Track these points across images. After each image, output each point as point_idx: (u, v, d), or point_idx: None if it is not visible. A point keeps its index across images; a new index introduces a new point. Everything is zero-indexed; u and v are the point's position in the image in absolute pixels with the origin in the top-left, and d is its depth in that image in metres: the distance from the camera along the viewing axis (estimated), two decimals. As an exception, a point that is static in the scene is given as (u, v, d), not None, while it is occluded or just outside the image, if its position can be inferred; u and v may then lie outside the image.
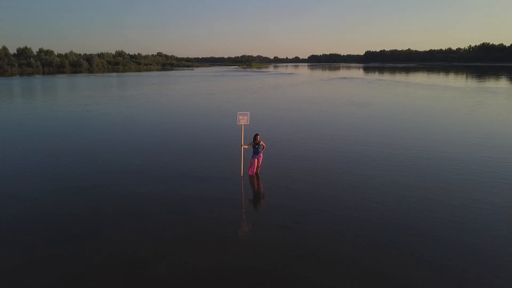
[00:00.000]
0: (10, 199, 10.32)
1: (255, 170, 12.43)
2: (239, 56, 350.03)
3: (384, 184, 11.54)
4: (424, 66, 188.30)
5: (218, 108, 30.14)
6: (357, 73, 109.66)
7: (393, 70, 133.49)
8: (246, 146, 12.29)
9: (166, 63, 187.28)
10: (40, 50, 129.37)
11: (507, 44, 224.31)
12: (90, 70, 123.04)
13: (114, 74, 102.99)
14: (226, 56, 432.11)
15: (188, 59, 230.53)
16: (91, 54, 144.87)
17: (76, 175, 12.41)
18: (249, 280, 6.65)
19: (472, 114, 26.37)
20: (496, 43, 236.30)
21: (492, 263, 7.27)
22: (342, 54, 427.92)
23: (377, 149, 15.92)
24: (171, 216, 9.28)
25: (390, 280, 6.68)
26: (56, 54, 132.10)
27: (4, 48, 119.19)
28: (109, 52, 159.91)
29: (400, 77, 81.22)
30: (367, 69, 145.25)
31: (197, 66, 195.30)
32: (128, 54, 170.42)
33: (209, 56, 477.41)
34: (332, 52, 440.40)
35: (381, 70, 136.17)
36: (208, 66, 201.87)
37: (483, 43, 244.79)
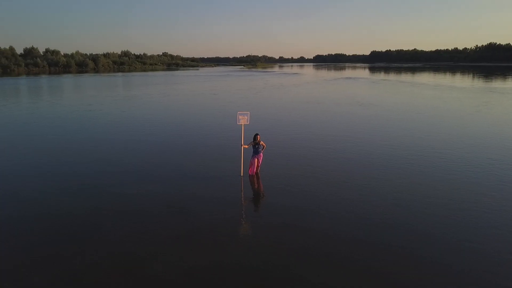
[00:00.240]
0: (10, 199, 10.37)
1: (255, 170, 12.42)
2: (244, 56, 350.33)
3: (384, 184, 11.49)
4: (430, 66, 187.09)
5: (220, 108, 30.17)
6: (362, 73, 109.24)
7: (398, 70, 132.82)
8: (246, 146, 12.29)
9: (172, 63, 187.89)
10: (47, 50, 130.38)
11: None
12: (96, 70, 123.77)
13: (120, 74, 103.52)
14: (231, 56, 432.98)
15: (193, 59, 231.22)
16: (97, 54, 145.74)
17: (76, 175, 12.47)
18: (248, 279, 6.66)
19: (477, 114, 26.14)
20: (503, 43, 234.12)
21: (493, 262, 7.23)
22: (347, 54, 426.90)
23: (378, 149, 15.85)
24: (170, 215, 9.31)
25: (390, 280, 6.67)
26: (62, 54, 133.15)
27: (11, 48, 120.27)
28: (115, 52, 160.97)
29: (405, 77, 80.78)
30: (372, 69, 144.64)
31: (202, 66, 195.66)
32: (134, 54, 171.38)
33: (214, 56, 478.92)
34: (338, 52, 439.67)
35: (386, 70, 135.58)
36: (213, 66, 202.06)
37: (490, 43, 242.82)
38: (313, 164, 13.68)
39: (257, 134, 12.13)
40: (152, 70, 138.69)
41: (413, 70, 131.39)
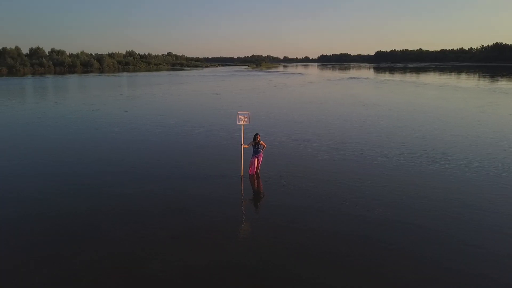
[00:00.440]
0: (10, 199, 10.39)
1: (255, 170, 12.42)
2: (249, 56, 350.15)
3: (385, 184, 11.44)
4: (435, 66, 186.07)
5: (222, 108, 30.18)
6: (367, 73, 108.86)
7: (403, 70, 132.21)
8: (246, 146, 12.30)
9: (176, 63, 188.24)
10: (52, 50, 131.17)
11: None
12: (101, 70, 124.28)
13: (124, 74, 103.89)
14: (236, 56, 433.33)
15: (198, 59, 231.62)
16: (102, 54, 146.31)
17: (77, 175, 12.50)
18: (248, 278, 6.67)
19: (481, 115, 25.94)
20: (510, 42, 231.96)
21: (493, 262, 7.21)
22: (352, 54, 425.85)
23: (379, 149, 15.79)
24: (170, 215, 9.32)
25: (390, 280, 6.66)
26: (67, 54, 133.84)
27: (17, 48, 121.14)
28: (120, 52, 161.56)
29: (410, 77, 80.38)
30: (377, 69, 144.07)
31: (207, 66, 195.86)
32: (138, 54, 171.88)
33: (219, 56, 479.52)
34: (342, 52, 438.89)
35: (391, 70, 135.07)
36: (217, 66, 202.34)
37: (496, 43, 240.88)
38: (313, 164, 13.65)
39: (257, 134, 12.13)
40: (156, 70, 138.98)
41: (418, 70, 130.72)
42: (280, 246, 7.81)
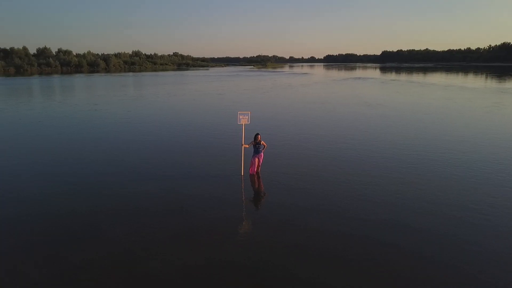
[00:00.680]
0: (10, 199, 10.39)
1: (255, 169, 12.43)
2: (255, 56, 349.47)
3: (385, 184, 11.39)
4: (442, 66, 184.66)
5: (225, 108, 30.20)
6: (373, 73, 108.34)
7: (409, 70, 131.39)
8: (247, 146, 12.31)
9: (182, 63, 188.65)
10: (59, 50, 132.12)
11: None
12: (107, 70, 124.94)
13: (130, 74, 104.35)
14: (241, 56, 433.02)
15: (203, 59, 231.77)
16: (108, 54, 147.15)
17: (77, 174, 12.53)
18: (248, 278, 6.69)
19: (487, 116, 25.71)
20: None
21: (493, 262, 7.18)
22: (358, 54, 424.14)
23: (381, 149, 15.72)
24: (170, 215, 9.33)
25: (390, 279, 6.66)
26: (74, 54, 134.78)
27: (24, 48, 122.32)
28: (126, 52, 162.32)
29: (416, 78, 79.85)
30: (383, 69, 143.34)
31: (212, 66, 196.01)
32: (145, 54, 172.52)
33: (224, 56, 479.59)
34: (348, 52, 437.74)
35: (397, 70, 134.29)
36: (223, 66, 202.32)
37: (504, 43, 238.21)
38: (314, 164, 13.62)
39: (257, 134, 12.15)
40: (162, 70, 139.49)
41: (424, 70, 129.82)
42: (280, 245, 7.81)
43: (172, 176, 12.35)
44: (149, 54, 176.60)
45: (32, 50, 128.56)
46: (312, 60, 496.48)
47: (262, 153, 12.42)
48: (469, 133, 19.29)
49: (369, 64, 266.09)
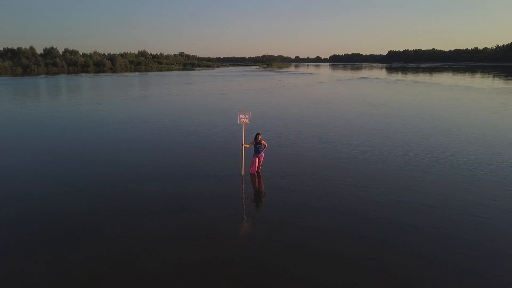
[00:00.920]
0: (10, 199, 10.40)
1: (256, 169, 12.42)
2: (260, 56, 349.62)
3: (386, 184, 11.33)
4: (449, 66, 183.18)
5: (227, 108, 30.17)
6: (378, 73, 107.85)
7: (416, 70, 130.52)
8: (247, 145, 12.31)
9: (188, 63, 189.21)
10: (66, 50, 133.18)
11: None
12: (113, 70, 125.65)
13: (136, 73, 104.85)
14: (247, 56, 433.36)
15: (209, 59, 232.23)
16: (114, 54, 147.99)
17: (77, 174, 12.56)
18: (247, 277, 6.69)
19: (492, 116, 25.43)
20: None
21: (493, 262, 7.15)
22: (364, 54, 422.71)
23: (382, 150, 15.64)
24: (171, 215, 9.34)
25: (390, 279, 6.64)
26: (80, 54, 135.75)
27: (32, 48, 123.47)
28: (132, 52, 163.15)
29: (422, 78, 79.30)
30: (389, 69, 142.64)
31: (218, 66, 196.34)
32: (150, 54, 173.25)
33: (230, 56, 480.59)
34: (354, 52, 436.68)
35: (403, 70, 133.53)
36: (228, 66, 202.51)
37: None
38: (315, 164, 13.58)
39: (258, 134, 12.15)
40: (168, 70, 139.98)
41: (431, 70, 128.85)
42: (280, 245, 7.80)
43: (172, 175, 12.37)
44: (155, 54, 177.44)
45: (39, 50, 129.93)
46: (317, 60, 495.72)
47: (262, 153, 12.41)
48: (473, 134, 19.10)
49: (375, 64, 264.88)
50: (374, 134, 18.92)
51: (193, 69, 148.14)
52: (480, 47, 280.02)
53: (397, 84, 60.04)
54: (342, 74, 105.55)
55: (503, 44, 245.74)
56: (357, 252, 7.49)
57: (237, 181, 11.88)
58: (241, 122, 12.47)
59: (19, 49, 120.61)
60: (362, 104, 31.93)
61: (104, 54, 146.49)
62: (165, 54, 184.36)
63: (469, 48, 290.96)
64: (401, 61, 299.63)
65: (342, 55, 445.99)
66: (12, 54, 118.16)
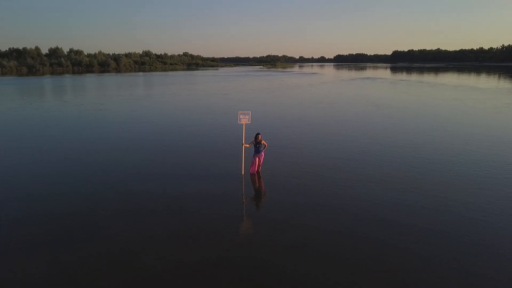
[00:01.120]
0: (10, 199, 10.43)
1: (256, 169, 12.43)
2: (264, 56, 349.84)
3: (387, 184, 11.30)
4: (454, 66, 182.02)
5: (228, 108, 30.16)
6: (383, 73, 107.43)
7: (420, 70, 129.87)
8: (247, 145, 12.31)
9: (192, 63, 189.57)
10: (71, 50, 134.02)
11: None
12: (118, 70, 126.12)
13: (140, 73, 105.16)
14: (251, 56, 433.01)
15: (213, 59, 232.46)
16: (118, 54, 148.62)
17: (77, 174, 12.58)
18: (247, 276, 6.71)
19: (496, 117, 25.24)
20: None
21: (493, 262, 7.14)
22: (368, 54, 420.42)
23: (384, 150, 15.58)
24: (171, 214, 9.36)
25: (390, 279, 6.64)
26: (85, 54, 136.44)
27: (37, 48, 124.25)
28: (136, 52, 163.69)
29: (426, 78, 78.88)
30: (393, 69, 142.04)
31: (222, 66, 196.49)
32: (155, 54, 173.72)
33: (234, 56, 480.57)
34: (359, 52, 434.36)
35: (408, 70, 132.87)
36: (232, 66, 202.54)
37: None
38: (315, 164, 13.56)
39: (258, 134, 12.16)
40: (172, 70, 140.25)
41: (435, 70, 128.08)
42: (280, 245, 7.81)
43: (173, 175, 12.40)
44: (159, 54, 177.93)
45: (44, 50, 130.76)
46: (322, 60, 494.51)
47: (262, 153, 12.42)
48: (476, 134, 18.99)
49: (379, 64, 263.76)
50: (376, 135, 18.85)
51: (197, 69, 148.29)
52: (486, 47, 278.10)
53: (401, 84, 59.79)
54: (346, 74, 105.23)
55: (509, 44, 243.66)
56: (357, 252, 7.49)
57: (237, 181, 11.89)
58: (241, 122, 12.48)
59: (24, 49, 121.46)
60: (365, 105, 31.80)
61: (108, 54, 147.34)
62: (169, 54, 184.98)
63: (475, 48, 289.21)
64: (406, 61, 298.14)
65: (346, 55, 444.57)
66: (18, 54, 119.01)
